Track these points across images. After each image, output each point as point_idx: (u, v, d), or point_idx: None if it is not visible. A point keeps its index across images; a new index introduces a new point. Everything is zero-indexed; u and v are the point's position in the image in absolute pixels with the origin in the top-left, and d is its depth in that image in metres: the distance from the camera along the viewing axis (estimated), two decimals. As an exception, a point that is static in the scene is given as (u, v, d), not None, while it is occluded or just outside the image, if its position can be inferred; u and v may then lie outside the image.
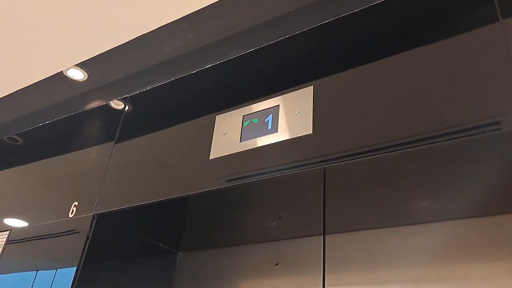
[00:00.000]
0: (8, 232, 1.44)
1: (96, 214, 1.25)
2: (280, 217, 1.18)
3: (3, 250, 1.41)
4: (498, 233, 0.96)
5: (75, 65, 1.48)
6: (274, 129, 1.04)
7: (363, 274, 1.09)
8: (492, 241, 0.96)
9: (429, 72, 0.88)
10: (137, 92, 1.49)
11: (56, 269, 1.21)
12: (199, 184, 1.09)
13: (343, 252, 1.13)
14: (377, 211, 1.07)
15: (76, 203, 1.32)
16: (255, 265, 1.27)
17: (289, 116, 1.03)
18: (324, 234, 1.16)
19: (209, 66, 1.34)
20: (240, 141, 1.08)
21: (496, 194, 0.93)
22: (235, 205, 1.18)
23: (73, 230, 1.27)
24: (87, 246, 1.19)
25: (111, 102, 1.56)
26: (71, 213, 1.30)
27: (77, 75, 1.52)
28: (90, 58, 1.44)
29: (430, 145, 0.81)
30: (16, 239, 1.42)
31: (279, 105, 1.07)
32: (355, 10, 1.09)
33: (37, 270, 1.26)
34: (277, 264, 1.23)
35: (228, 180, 1.04)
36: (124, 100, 1.52)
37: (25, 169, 1.66)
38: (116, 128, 1.44)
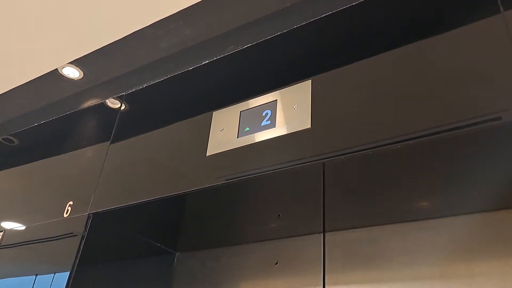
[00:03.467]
0: (1, 234, 1.42)
1: (91, 213, 1.22)
2: (279, 215, 1.16)
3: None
4: (502, 228, 0.94)
5: (69, 63, 1.46)
6: (272, 124, 1.02)
7: (364, 272, 1.07)
8: (496, 237, 0.94)
9: (428, 65, 0.87)
10: (133, 90, 1.47)
11: (54, 272, 1.18)
12: (196, 181, 1.07)
13: (343, 250, 1.11)
14: (378, 208, 1.05)
15: (71, 202, 1.30)
16: (254, 264, 1.25)
17: (287, 111, 1.01)
18: (324, 232, 1.14)
19: (206, 62, 1.33)
20: (237, 137, 1.06)
21: (499, 188, 0.91)
22: (233, 203, 1.16)
23: (69, 231, 1.25)
24: (82, 247, 1.17)
25: (107, 101, 1.54)
26: (66, 213, 1.28)
27: (73, 73, 1.50)
28: (85, 55, 1.42)
29: (431, 138, 0.79)
30: (10, 242, 1.39)
31: (277, 100, 1.05)
32: (354, 3, 1.08)
33: (36, 275, 1.23)
34: (276, 263, 1.21)
35: (226, 177, 1.02)
36: (120, 98, 1.50)
37: (19, 169, 1.64)
38: (112, 127, 1.42)
